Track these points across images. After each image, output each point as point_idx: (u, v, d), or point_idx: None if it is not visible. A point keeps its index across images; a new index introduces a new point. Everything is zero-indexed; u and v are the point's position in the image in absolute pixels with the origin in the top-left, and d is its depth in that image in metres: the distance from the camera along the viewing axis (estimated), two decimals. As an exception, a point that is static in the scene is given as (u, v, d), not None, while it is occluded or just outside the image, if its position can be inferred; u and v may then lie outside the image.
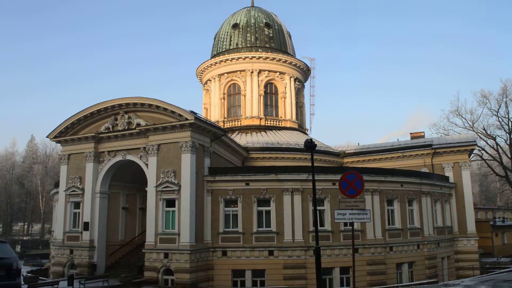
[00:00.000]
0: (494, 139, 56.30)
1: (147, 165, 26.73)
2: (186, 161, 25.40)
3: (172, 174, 25.61)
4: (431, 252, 31.03)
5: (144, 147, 26.94)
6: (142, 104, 27.14)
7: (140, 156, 27.27)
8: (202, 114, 40.87)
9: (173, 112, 26.04)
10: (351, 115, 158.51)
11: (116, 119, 28.21)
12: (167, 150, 26.14)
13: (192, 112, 25.83)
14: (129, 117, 27.72)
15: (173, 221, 25.38)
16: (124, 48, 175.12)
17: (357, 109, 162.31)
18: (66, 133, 29.37)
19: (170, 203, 25.73)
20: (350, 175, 15.24)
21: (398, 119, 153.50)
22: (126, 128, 27.70)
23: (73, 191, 28.79)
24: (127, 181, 30.36)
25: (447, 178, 36.26)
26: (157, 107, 26.59)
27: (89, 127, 29.06)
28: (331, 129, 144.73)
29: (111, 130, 28.18)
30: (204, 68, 44.71)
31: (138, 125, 27.05)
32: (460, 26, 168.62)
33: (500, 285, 23.19)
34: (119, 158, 28.14)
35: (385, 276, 27.68)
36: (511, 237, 55.88)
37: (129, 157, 27.79)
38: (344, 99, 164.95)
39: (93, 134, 28.28)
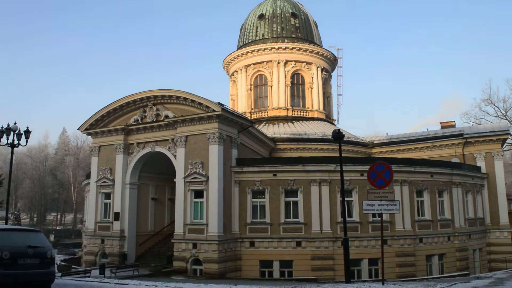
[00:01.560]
0: (529, 128, 54.55)
1: (175, 156, 27.05)
2: (214, 152, 25.59)
3: (200, 165, 25.85)
4: (462, 244, 30.42)
5: (172, 139, 27.25)
6: (170, 96, 27.41)
7: (169, 148, 27.62)
8: (229, 105, 41.00)
9: (200, 103, 26.21)
10: (380, 105, 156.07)
11: (144, 111, 28.61)
12: (195, 141, 26.37)
13: (219, 103, 25.94)
14: (157, 109, 28.06)
15: (201, 212, 25.66)
16: (153, 46, 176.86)
17: (385, 99, 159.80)
18: (97, 125, 29.97)
19: (198, 194, 26.00)
20: (378, 165, 15.10)
21: (428, 108, 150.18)
22: (154, 120, 28.07)
23: (104, 182, 29.43)
24: (156, 172, 30.83)
25: (478, 168, 35.38)
26: (185, 99, 26.81)
27: (119, 119, 29.58)
28: (359, 119, 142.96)
29: (140, 122, 28.61)
30: (230, 59, 44.79)
31: (166, 117, 27.36)
32: (494, 8, 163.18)
33: (535, 278, 22.63)
34: (148, 149, 28.57)
35: (414, 268, 27.29)
36: (546, 229, 54.18)
37: (158, 148, 28.18)
38: (372, 88, 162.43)
39: (123, 126, 28.77)
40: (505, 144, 43.18)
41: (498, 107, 54.41)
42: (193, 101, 26.52)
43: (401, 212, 27.05)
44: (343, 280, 17.99)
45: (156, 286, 16.00)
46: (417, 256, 27.74)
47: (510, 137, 46.67)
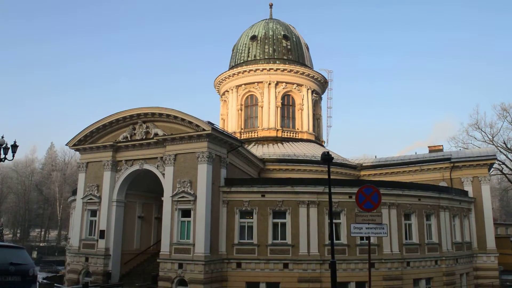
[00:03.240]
0: (515, 153, 55.29)
1: (163, 174, 26.87)
2: (203, 171, 25.46)
3: (188, 184, 25.69)
4: (449, 268, 30.39)
5: (161, 157, 27.11)
6: (160, 114, 27.37)
7: (157, 166, 27.45)
8: (219, 125, 41.06)
9: (190, 122, 26.18)
10: (369, 128, 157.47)
11: (134, 128, 28.49)
12: (184, 160, 26.26)
13: (209, 122, 25.95)
14: (147, 127, 27.96)
15: (188, 232, 25.37)
16: (141, 55, 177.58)
17: (374, 122, 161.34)
18: (85, 141, 29.74)
19: (186, 213, 25.76)
20: (366, 188, 15.11)
21: (416, 132, 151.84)
22: (143, 137, 27.94)
23: (90, 199, 29.06)
24: (143, 190, 30.56)
25: (466, 192, 35.63)
26: (175, 117, 26.77)
27: (108, 136, 29.39)
28: (348, 142, 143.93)
29: (129, 139, 28.45)
30: (222, 79, 44.99)
31: (156, 134, 27.26)
32: (478, 38, 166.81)
33: (521, 304, 22.68)
34: (136, 167, 28.35)
35: (402, 292, 27.17)
36: (532, 254, 54.44)
37: (146, 166, 27.99)
38: (361, 111, 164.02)
39: (111, 143, 28.58)
40: (492, 169, 43.62)
41: (485, 132, 55.17)
42: (183, 119, 26.49)
43: (388, 235, 27.05)
44: (330, 303, 17.78)
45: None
46: (405, 280, 27.60)
47: (496, 162, 47.28)
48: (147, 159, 28.03)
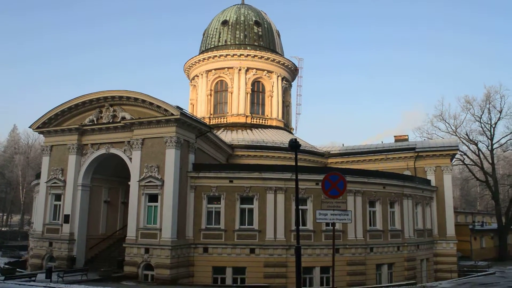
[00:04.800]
0: (476, 144, 57.24)
1: (130, 159, 26.53)
2: (170, 156, 25.28)
3: (155, 169, 25.47)
4: (410, 254, 31.38)
5: (129, 141, 26.73)
6: (128, 98, 26.91)
7: (124, 150, 27.06)
8: (188, 109, 40.76)
9: (158, 106, 25.87)
10: (338, 117, 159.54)
11: (101, 112, 27.92)
12: (152, 144, 25.98)
13: (178, 107, 25.71)
14: (114, 110, 27.46)
15: (155, 216, 25.24)
16: (114, 47, 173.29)
17: (343, 111, 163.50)
18: (50, 124, 28.98)
19: (153, 198, 25.58)
20: (333, 176, 15.34)
21: (383, 122, 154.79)
22: (110, 121, 27.44)
23: (55, 183, 28.44)
24: (109, 174, 30.11)
25: (429, 181, 36.69)
26: (143, 101, 26.38)
27: (73, 119, 28.71)
28: (317, 130, 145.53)
29: (95, 122, 27.89)
30: (192, 63, 44.51)
31: (123, 118, 26.82)
32: (445, 33, 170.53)
33: (477, 289, 23.63)
34: (102, 151, 27.88)
35: (364, 277, 27.90)
36: (489, 241, 56.79)
37: (113, 150, 27.55)
38: (331, 100, 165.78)
39: (77, 126, 27.96)
40: (454, 159, 45.02)
41: (449, 124, 56.80)
42: (151, 103, 26.14)
43: (353, 222, 27.66)
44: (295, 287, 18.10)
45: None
46: (368, 265, 28.38)
47: (459, 153, 48.79)
48: (114, 143, 27.58)
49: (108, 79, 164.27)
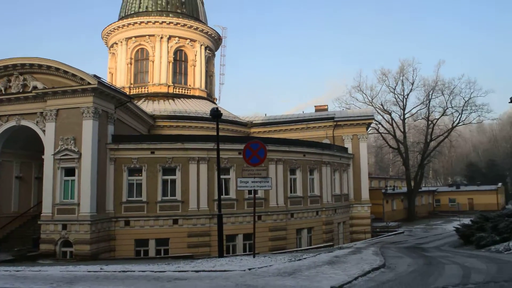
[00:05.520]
0: (390, 114, 61.05)
1: (44, 131, 25.00)
2: (88, 128, 24.17)
3: (72, 141, 24.27)
4: (328, 218, 33.08)
5: (41, 112, 25.10)
6: (40, 66, 25.08)
7: (37, 122, 25.42)
8: (107, 78, 39.03)
9: (74, 75, 24.45)
10: (263, 88, 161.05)
11: (9, 81, 25.80)
12: (67, 115, 24.63)
13: (95, 76, 24.50)
14: (24, 79, 25.53)
15: (73, 191, 24.19)
16: (32, 20, 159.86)
17: (267, 81, 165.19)
18: (-51, 94, 26.41)
19: (70, 172, 24.44)
20: (253, 144, 15.65)
21: (309, 93, 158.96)
22: (21, 91, 25.49)
23: (-42, 158, 26.22)
24: (21, 148, 28.22)
25: (346, 149, 38.54)
26: (57, 69, 24.77)
27: (-23, 88, 26.36)
28: (242, 101, 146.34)
29: (3, 92, 25.75)
30: (110, 30, 42.36)
31: (35, 88, 25.06)
32: (366, 11, 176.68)
33: (387, 246, 25.64)
34: (12, 123, 25.95)
35: (285, 242, 29.05)
36: (399, 203, 61.40)
37: (24, 122, 25.76)
38: (257, 71, 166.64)
39: (-19, 96, 25.75)
40: (370, 128, 47.57)
41: (366, 94, 59.83)
42: (66, 72, 24.64)
43: (275, 190, 28.47)
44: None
45: (17, 271, 14.85)
46: (289, 230, 29.53)
47: (374, 122, 51.63)
48: (25, 114, 25.75)
49: (26, 53, 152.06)
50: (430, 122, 61.38)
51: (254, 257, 16.05)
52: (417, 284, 9.68)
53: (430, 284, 9.53)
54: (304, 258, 14.92)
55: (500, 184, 77.20)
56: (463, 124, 63.02)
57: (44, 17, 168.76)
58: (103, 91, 25.01)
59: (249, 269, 12.17)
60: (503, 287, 8.78)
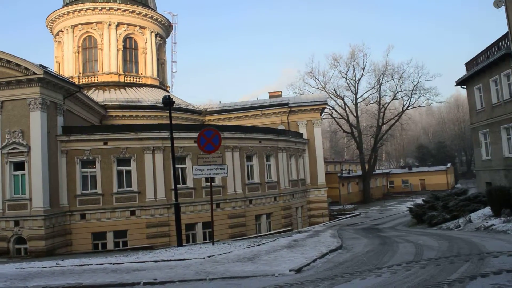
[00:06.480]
0: (343, 99, 62.29)
1: (-12, 124, 23.86)
2: (36, 120, 23.26)
3: (19, 134, 23.29)
4: (286, 203, 33.58)
5: (-16, 105, 23.93)
6: (-19, 56, 23.84)
7: (-20, 115, 24.19)
8: (54, 68, 37.59)
9: (18, 65, 23.36)
10: (218, 76, 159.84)
11: None
12: (13, 107, 23.58)
13: (41, 65, 23.52)
14: (-36, 71, 24.20)
15: (23, 186, 23.32)
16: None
17: (221, 68, 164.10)
18: None
19: (19, 166, 23.49)
20: (207, 131, 15.62)
21: (264, 79, 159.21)
22: (-40, 82, 24.17)
23: None
24: (-36, 143, 26.81)
25: (301, 134, 39.11)
26: (-1, 59, 23.63)
27: None
28: (197, 89, 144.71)
29: None
30: (55, 17, 40.59)
31: (-24, 79, 23.81)
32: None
33: (344, 229, 26.37)
34: (-48, 117, 24.59)
35: (245, 228, 29.30)
36: (355, 186, 63.15)
37: (-35, 116, 24.47)
38: (211, 59, 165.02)
39: None
40: (324, 113, 48.45)
41: (318, 80, 60.69)
42: (9, 61, 23.48)
43: (232, 177, 28.57)
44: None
45: (-34, 270, 14.19)
46: (247, 216, 29.78)
47: (327, 107, 52.54)
48: (-35, 107, 24.46)
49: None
50: (381, 106, 63.15)
51: (213, 244, 16.11)
52: (372, 263, 10.03)
53: (386, 262, 9.88)
54: (263, 243, 15.12)
55: (449, 164, 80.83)
56: (413, 108, 65.13)
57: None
58: (50, 81, 24.08)
59: (209, 257, 12.22)
60: (453, 262, 9.23)
